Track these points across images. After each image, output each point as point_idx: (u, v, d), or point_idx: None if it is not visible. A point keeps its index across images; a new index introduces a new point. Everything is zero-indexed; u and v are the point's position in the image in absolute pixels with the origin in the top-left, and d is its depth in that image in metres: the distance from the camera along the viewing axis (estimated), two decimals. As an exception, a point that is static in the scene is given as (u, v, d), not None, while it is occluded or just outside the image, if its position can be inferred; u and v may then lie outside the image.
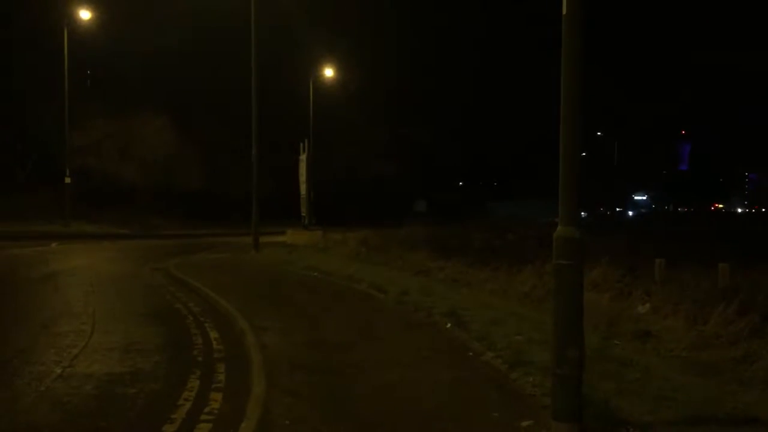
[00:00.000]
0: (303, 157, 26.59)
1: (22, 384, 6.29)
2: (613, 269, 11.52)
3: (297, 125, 37.57)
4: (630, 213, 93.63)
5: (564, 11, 4.76)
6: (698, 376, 6.37)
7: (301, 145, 26.80)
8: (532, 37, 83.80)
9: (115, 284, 14.08)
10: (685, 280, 10.24)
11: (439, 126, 62.38)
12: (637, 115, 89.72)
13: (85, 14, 34.42)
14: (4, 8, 35.07)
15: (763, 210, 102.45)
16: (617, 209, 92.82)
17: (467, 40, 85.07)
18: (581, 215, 4.85)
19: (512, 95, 78.17)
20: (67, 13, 34.08)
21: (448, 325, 8.96)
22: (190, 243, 28.40)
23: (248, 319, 9.29)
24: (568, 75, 4.79)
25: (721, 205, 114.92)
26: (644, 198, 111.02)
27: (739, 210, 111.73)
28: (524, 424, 5.15)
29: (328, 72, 40.87)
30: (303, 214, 27.45)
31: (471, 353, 7.47)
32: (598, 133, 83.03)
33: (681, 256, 12.73)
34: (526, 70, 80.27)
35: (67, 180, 34.33)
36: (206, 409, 5.63)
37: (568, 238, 4.78)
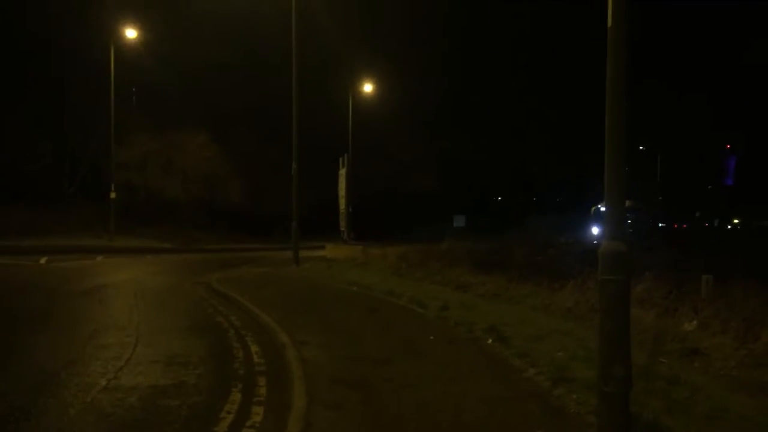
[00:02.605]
0: (342, 171, 26.68)
1: (69, 395, 6.40)
2: (659, 285, 11.29)
3: (337, 140, 37.81)
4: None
5: (609, 23, 4.71)
6: (749, 395, 6.18)
7: (341, 159, 26.90)
8: (574, 50, 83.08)
9: (159, 297, 14.28)
10: (734, 296, 9.98)
11: (479, 141, 62.22)
12: (680, 130, 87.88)
13: (131, 33, 35.21)
14: (55, 27, 36.10)
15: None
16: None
17: (507, 55, 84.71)
18: (627, 229, 4.73)
19: (554, 109, 77.75)
20: (113, 32, 34.94)
21: (490, 340, 8.87)
22: (232, 257, 28.73)
23: (289, 333, 9.33)
24: (613, 89, 4.72)
25: None
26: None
27: None
28: (569, 442, 5.06)
29: (368, 87, 40.98)
30: (342, 229, 27.52)
31: (513, 369, 7.38)
32: (641, 148, 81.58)
33: (729, 271, 12.42)
34: (570, 85, 79.67)
35: (113, 195, 35.05)
36: (248, 423, 5.66)
37: (614, 253, 4.69)
